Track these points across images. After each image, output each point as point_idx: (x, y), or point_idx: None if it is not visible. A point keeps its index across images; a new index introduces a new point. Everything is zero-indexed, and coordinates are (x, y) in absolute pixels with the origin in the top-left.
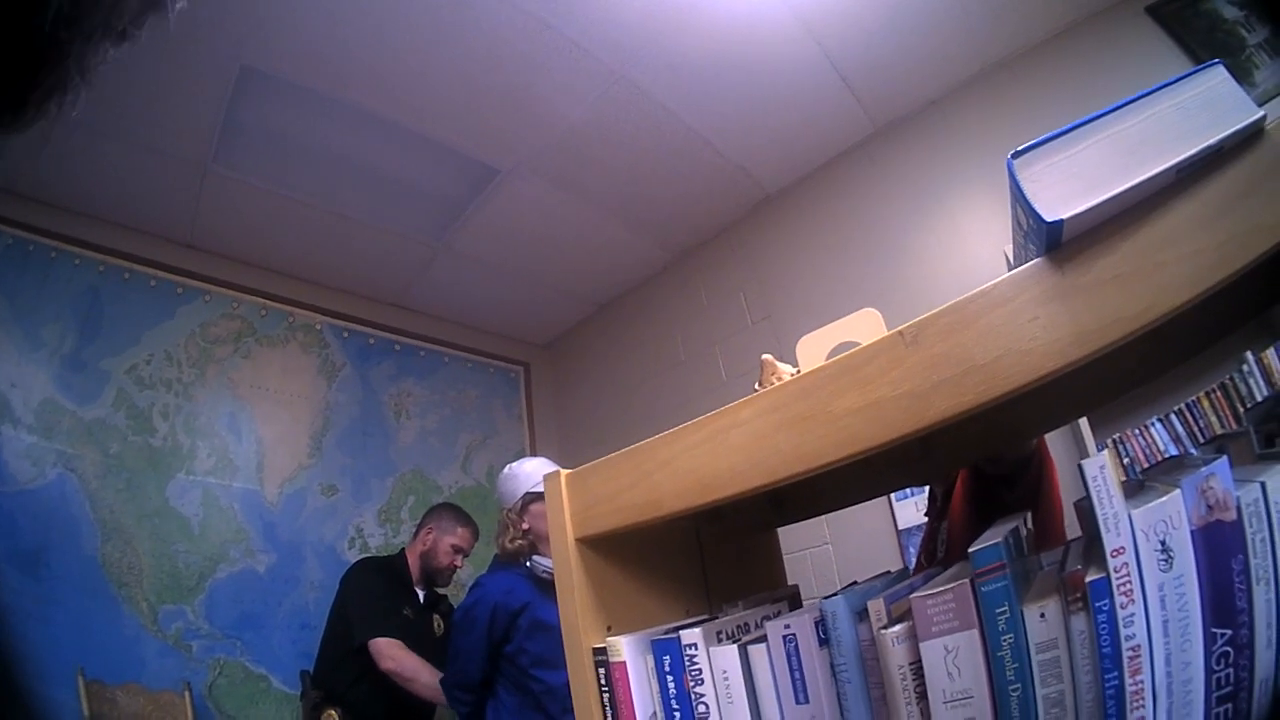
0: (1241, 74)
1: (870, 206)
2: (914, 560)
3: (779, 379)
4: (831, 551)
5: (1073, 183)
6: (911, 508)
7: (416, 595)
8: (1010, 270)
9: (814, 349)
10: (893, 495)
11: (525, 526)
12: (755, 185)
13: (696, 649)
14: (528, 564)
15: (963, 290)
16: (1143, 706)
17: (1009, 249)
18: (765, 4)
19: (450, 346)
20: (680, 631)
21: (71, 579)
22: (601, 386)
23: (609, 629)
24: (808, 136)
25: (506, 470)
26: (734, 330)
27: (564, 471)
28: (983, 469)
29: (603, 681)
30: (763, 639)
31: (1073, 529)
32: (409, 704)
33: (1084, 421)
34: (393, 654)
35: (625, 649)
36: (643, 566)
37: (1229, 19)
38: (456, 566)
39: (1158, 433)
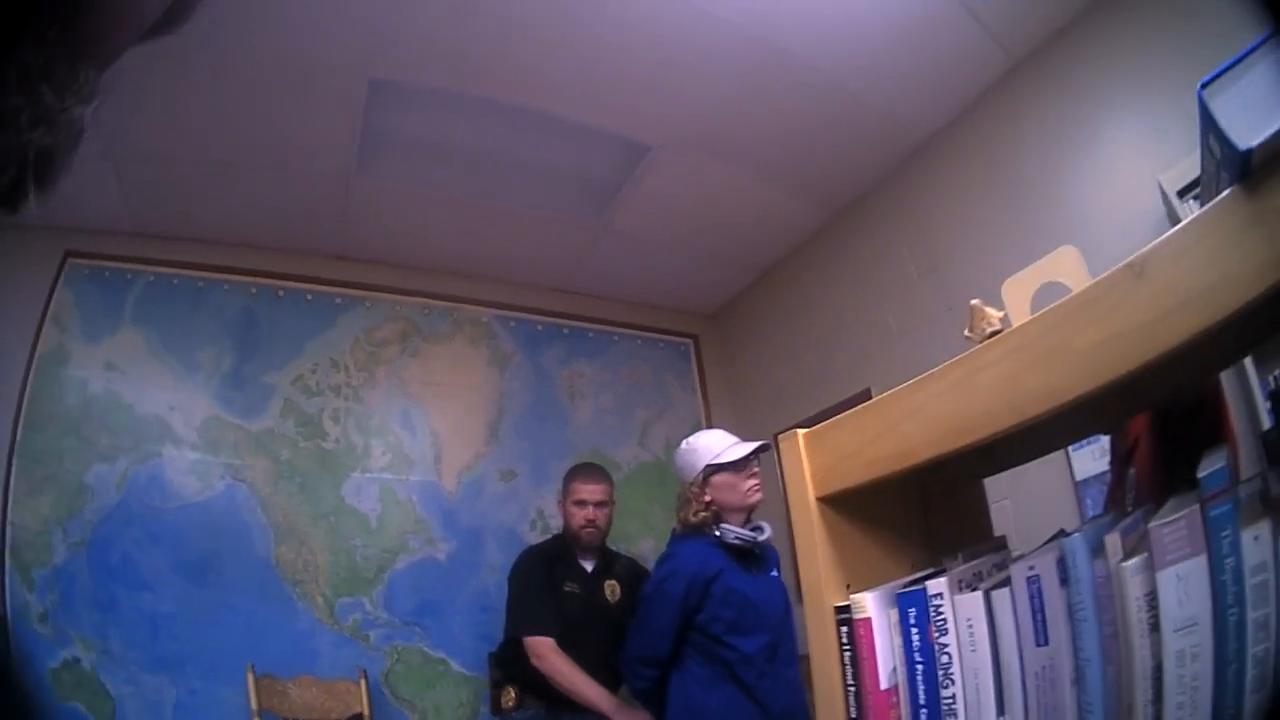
0: None
1: (1018, 144)
2: (1099, 510)
3: (989, 323)
4: (1009, 506)
5: (1252, 109)
6: (1088, 457)
7: (582, 567)
8: (1169, 199)
9: (1019, 291)
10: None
11: (708, 499)
12: (904, 133)
13: (942, 599)
14: (716, 533)
15: (1119, 221)
16: None
17: (1162, 177)
18: None
19: (618, 325)
20: (926, 582)
21: (242, 582)
22: (772, 352)
23: (848, 587)
24: (947, 78)
25: (684, 445)
26: (900, 284)
27: (801, 431)
28: (1168, 409)
29: (844, 640)
30: (1005, 583)
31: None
32: None
33: (1248, 359)
34: (542, 653)
35: (870, 604)
36: (873, 522)
37: None
38: (592, 520)
39: None
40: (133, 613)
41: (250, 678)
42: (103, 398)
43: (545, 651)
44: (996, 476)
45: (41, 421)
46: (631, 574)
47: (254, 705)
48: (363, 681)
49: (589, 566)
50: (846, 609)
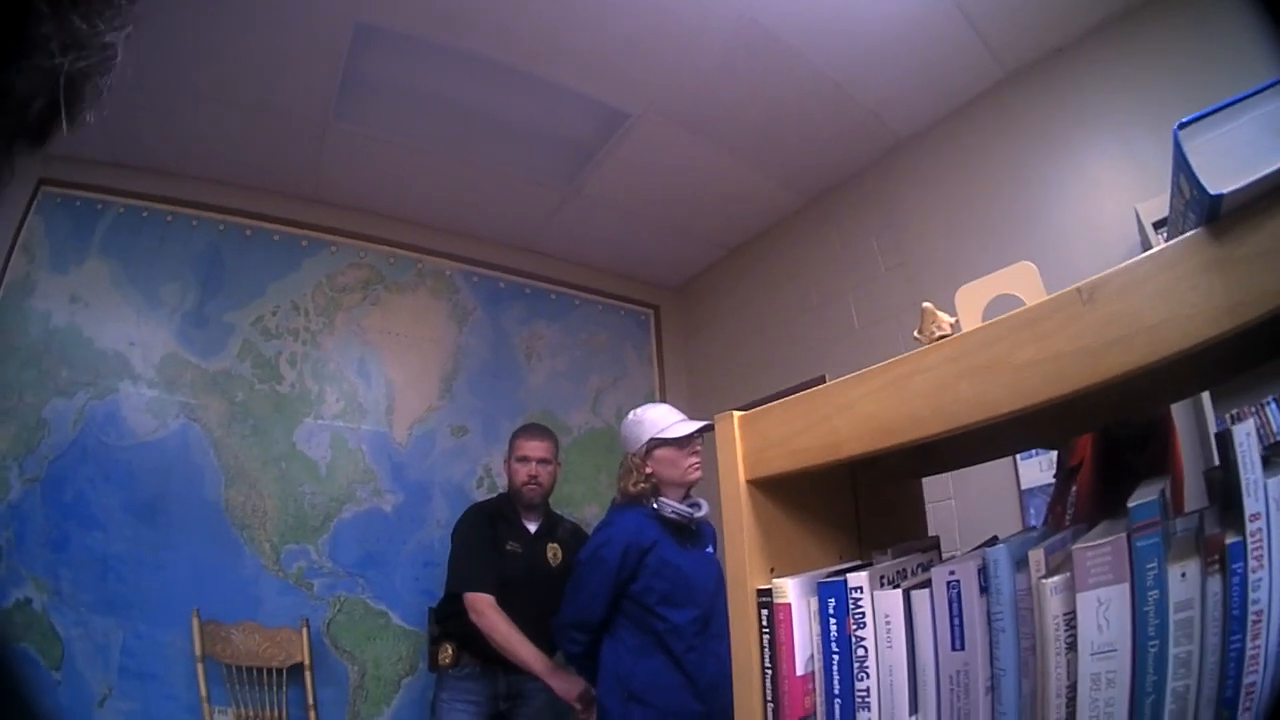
0: None
1: (1001, 155)
2: (1040, 521)
3: (939, 328)
4: (954, 507)
5: (1231, 156)
6: (1036, 467)
7: (525, 527)
8: (1144, 228)
9: (972, 300)
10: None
11: (649, 471)
12: (887, 130)
13: (862, 592)
14: (654, 505)
15: (1092, 244)
16: (1256, 671)
17: (1140, 206)
18: None
19: (581, 289)
20: (847, 575)
21: (191, 525)
22: (732, 330)
23: (772, 570)
24: (937, 81)
25: (630, 416)
26: (867, 277)
27: (736, 413)
28: (1114, 432)
29: (764, 623)
30: (926, 584)
31: (1192, 502)
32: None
33: (1205, 395)
34: (481, 609)
35: (791, 591)
36: (803, 510)
37: None
38: (535, 476)
39: (1272, 412)
40: (84, 553)
41: (195, 622)
42: (65, 330)
43: (484, 608)
44: (944, 476)
45: (3, 353)
46: (574, 538)
47: (198, 651)
48: (304, 630)
49: (532, 528)
50: (768, 592)
